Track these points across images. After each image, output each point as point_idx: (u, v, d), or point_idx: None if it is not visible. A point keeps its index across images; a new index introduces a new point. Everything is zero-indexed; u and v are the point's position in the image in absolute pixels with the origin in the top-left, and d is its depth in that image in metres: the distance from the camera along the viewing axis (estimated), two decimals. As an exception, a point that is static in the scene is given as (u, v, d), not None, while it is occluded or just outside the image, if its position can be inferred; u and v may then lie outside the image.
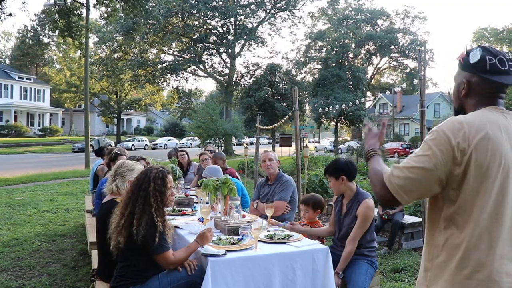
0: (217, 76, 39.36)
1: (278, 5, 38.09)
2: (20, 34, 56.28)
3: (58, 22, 19.04)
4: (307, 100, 39.56)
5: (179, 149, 8.39)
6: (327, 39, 39.71)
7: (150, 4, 22.60)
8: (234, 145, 36.36)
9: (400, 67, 53.74)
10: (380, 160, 1.83)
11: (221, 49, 38.27)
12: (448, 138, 1.54)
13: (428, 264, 1.66)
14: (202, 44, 38.02)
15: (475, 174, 1.52)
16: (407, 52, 47.74)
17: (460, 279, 1.54)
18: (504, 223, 1.54)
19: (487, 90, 1.68)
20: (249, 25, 37.77)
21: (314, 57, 43.45)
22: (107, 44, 37.52)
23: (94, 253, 4.37)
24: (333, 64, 37.58)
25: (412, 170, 1.56)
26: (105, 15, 20.31)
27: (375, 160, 1.84)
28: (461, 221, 1.55)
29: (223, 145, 29.24)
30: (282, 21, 39.91)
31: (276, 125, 13.43)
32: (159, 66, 38.63)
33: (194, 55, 37.14)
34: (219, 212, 4.04)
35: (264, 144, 46.72)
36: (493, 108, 1.65)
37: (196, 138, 33.87)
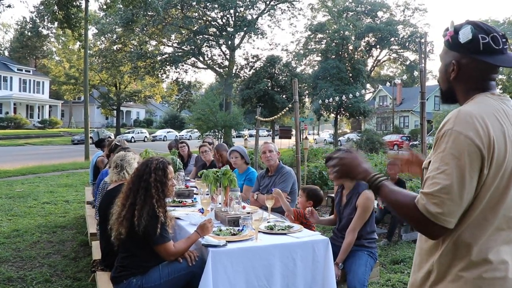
0: (217, 68, 39.26)
1: (278, -4, 37.95)
2: (19, 26, 55.93)
3: (57, 13, 18.96)
4: (307, 92, 39.48)
5: (180, 141, 8.38)
6: (327, 31, 39.59)
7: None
8: (234, 137, 36.33)
9: (400, 59, 53.62)
10: (394, 188, 1.56)
11: (221, 41, 38.13)
12: (471, 139, 1.36)
13: (430, 262, 1.54)
14: (201, 36, 37.88)
15: (495, 173, 1.40)
16: (407, 44, 47.63)
17: (470, 279, 1.45)
18: None
19: (479, 72, 1.53)
20: (249, 17, 37.62)
21: (314, 49, 43.36)
22: (106, 35, 37.40)
23: (95, 244, 4.39)
24: (333, 56, 37.50)
25: (447, 191, 1.36)
26: (104, 6, 20.25)
27: (391, 189, 1.56)
28: (474, 222, 1.44)
29: (222, 137, 29.21)
30: (282, 13, 39.74)
31: (275, 117, 13.46)
32: (159, 58, 38.50)
33: (193, 47, 37.01)
34: (219, 203, 4.04)
35: (264, 136, 46.70)
36: (491, 94, 1.52)
37: (196, 130, 33.83)
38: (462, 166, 1.36)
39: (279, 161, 5.03)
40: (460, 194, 1.37)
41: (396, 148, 31.65)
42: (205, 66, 39.64)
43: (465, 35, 1.50)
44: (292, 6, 38.87)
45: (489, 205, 1.43)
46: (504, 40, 1.50)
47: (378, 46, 49.13)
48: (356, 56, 40.22)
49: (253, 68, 38.11)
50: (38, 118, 49.06)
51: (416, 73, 53.61)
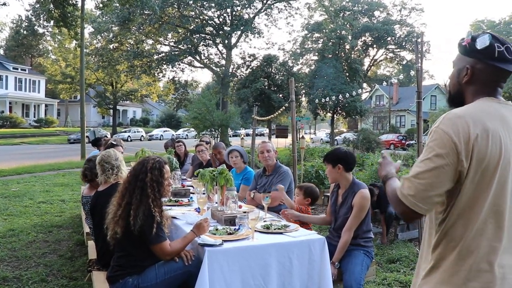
0: (214, 67, 39.22)
1: (275, -5, 37.92)
2: (15, 24, 55.64)
3: (53, 12, 18.89)
4: (304, 91, 39.49)
5: (176, 140, 8.39)
6: (324, 31, 39.65)
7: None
8: (230, 136, 36.30)
9: (396, 59, 53.70)
10: (396, 181, 1.78)
11: (218, 40, 38.10)
12: (449, 135, 1.50)
13: (425, 255, 1.66)
14: (198, 35, 37.85)
15: (476, 167, 1.50)
16: (403, 44, 47.70)
17: (458, 271, 1.54)
18: (503, 216, 1.53)
19: (491, 77, 1.64)
20: (246, 16, 37.60)
21: (311, 49, 43.40)
22: (102, 34, 37.32)
23: (91, 244, 4.38)
24: (330, 56, 37.55)
25: (420, 177, 1.53)
26: (101, 5, 20.19)
27: (392, 182, 1.78)
28: (461, 214, 1.54)
29: (219, 136, 29.20)
30: (279, 12, 39.73)
31: (272, 116, 13.45)
32: (155, 57, 38.47)
33: (190, 46, 36.98)
34: (216, 203, 4.04)
35: (261, 134, 46.70)
36: (491, 99, 1.63)
37: (192, 129, 33.82)
38: (438, 157, 1.51)
39: (276, 161, 5.03)
40: (431, 182, 1.51)
41: (393, 148, 31.69)
42: (201, 65, 39.61)
43: (482, 42, 1.63)
44: (289, 5, 38.89)
45: (475, 199, 1.53)
46: None
47: (374, 46, 49.21)
48: (353, 55, 40.30)
49: (250, 67, 38.09)
50: (34, 117, 48.90)
51: (412, 73, 53.69)
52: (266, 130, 50.95)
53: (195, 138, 30.39)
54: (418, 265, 1.74)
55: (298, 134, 18.47)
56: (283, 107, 11.75)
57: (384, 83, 38.24)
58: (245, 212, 3.72)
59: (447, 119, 1.55)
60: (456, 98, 1.73)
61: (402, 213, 1.59)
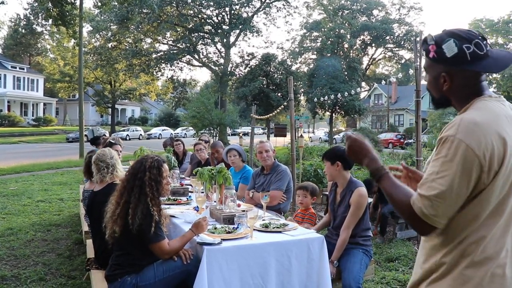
0: (212, 66, 39.16)
1: (274, -6, 37.88)
2: (13, 23, 55.54)
3: (51, 10, 18.84)
4: (302, 90, 39.50)
5: (175, 139, 8.38)
6: (322, 29, 39.66)
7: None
8: (229, 135, 36.27)
9: (395, 58, 53.74)
10: (394, 181, 1.62)
11: (216, 39, 38.03)
12: (472, 149, 1.39)
13: (433, 260, 1.57)
14: (197, 34, 37.77)
15: (497, 176, 1.43)
16: (402, 42, 47.74)
17: (472, 277, 1.47)
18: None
19: (471, 79, 1.55)
20: (244, 15, 37.53)
21: (309, 47, 43.47)
22: (101, 33, 37.21)
23: (89, 243, 4.37)
24: (328, 55, 37.55)
25: (442, 196, 1.41)
26: (99, 3, 20.16)
27: (391, 184, 1.61)
28: (482, 220, 1.47)
29: (217, 135, 29.17)
30: (278, 11, 39.67)
31: (271, 115, 13.44)
32: (154, 55, 38.36)
33: (188, 45, 36.90)
34: (215, 201, 4.04)
35: (259, 134, 46.67)
36: (488, 97, 1.54)
37: (191, 128, 33.78)
38: (460, 174, 1.41)
39: (274, 159, 5.03)
40: (455, 200, 1.43)
41: (391, 146, 31.69)
42: (200, 64, 39.55)
43: (450, 49, 1.52)
44: (288, 4, 38.81)
45: (496, 207, 1.47)
46: (485, 42, 1.53)
47: (373, 45, 49.25)
48: (351, 54, 40.32)
49: (249, 66, 38.03)
50: (33, 115, 48.80)
51: (411, 72, 53.78)
52: (256, 129, 50.95)
53: (193, 137, 30.35)
54: (424, 263, 1.63)
55: (296, 133, 18.43)
56: (282, 106, 11.76)
57: (383, 82, 38.21)
58: (243, 210, 3.72)
59: (465, 127, 1.43)
60: (442, 101, 1.65)
61: (421, 230, 1.50)
